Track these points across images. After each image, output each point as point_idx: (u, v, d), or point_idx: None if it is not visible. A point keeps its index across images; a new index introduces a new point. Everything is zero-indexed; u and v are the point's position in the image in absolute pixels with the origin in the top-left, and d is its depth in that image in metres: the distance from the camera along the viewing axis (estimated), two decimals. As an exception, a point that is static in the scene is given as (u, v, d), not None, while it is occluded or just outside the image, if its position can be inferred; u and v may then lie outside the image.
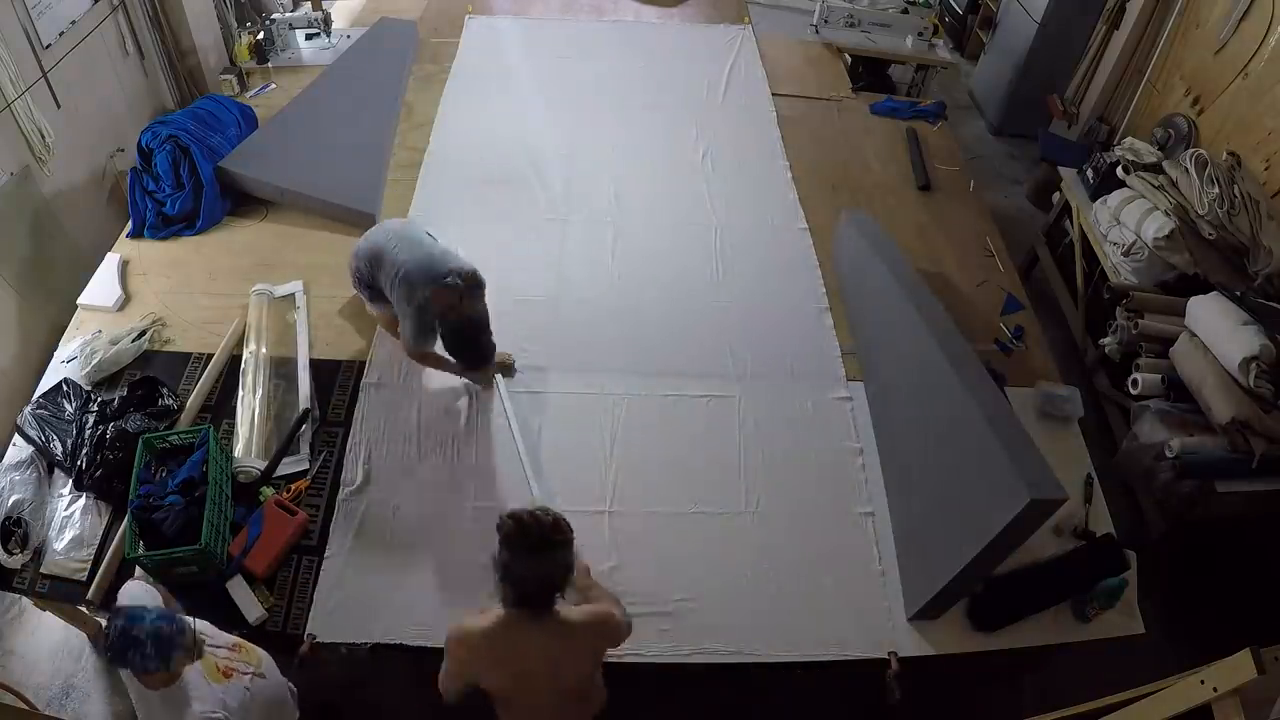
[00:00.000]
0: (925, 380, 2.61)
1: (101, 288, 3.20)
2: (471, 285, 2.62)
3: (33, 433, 2.66)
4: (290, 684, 2.18)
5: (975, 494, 2.20)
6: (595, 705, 2.05)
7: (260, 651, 2.07)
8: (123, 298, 3.18)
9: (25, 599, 2.71)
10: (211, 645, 1.89)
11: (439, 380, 2.95)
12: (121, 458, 2.52)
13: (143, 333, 3.00)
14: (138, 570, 2.27)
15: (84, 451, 2.56)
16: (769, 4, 5.47)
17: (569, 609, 1.86)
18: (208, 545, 2.28)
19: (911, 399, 2.72)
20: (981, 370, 2.52)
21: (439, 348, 2.76)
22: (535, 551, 1.72)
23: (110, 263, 3.30)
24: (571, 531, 1.79)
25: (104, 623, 2.04)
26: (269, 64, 4.56)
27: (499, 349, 2.92)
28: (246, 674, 1.93)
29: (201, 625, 1.91)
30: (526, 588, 1.76)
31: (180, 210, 3.48)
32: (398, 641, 2.29)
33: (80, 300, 3.17)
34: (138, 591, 1.98)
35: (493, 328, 2.80)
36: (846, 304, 3.31)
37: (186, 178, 3.48)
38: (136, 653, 1.63)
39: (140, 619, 1.66)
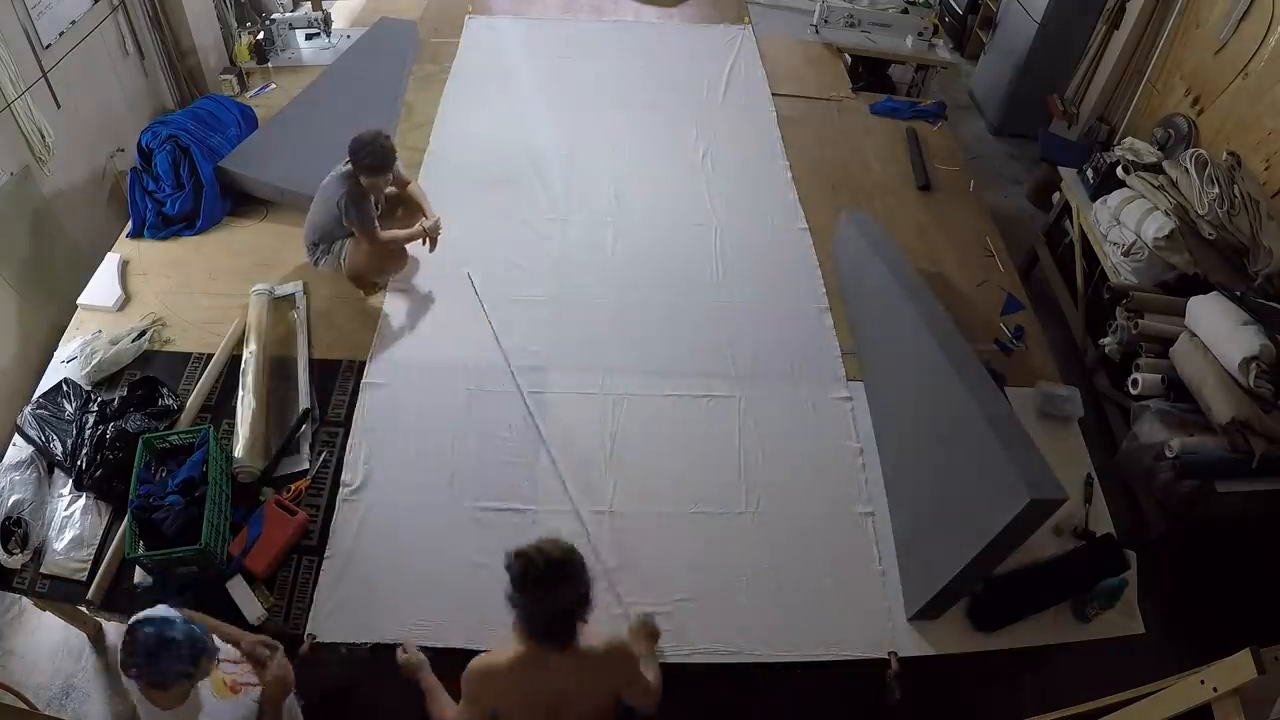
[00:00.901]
0: (925, 380, 2.61)
1: (101, 288, 3.20)
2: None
3: (33, 433, 2.66)
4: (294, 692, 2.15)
5: (975, 494, 2.20)
6: None
7: None
8: (123, 298, 3.18)
9: (25, 599, 2.71)
10: (222, 660, 1.87)
11: (439, 380, 2.95)
12: (121, 458, 2.52)
13: (143, 333, 3.00)
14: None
15: (84, 451, 2.56)
16: (769, 4, 5.47)
17: (591, 642, 1.83)
18: (208, 545, 2.28)
19: (911, 399, 2.72)
20: (981, 370, 2.52)
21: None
22: (546, 586, 1.68)
23: (110, 263, 3.30)
24: (580, 558, 1.75)
25: (115, 626, 2.00)
26: (269, 64, 4.56)
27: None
28: (256, 688, 1.91)
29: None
30: (545, 623, 1.72)
31: (180, 210, 3.48)
32: (398, 641, 2.28)
33: (80, 300, 3.17)
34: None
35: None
36: (846, 304, 3.31)
37: (186, 178, 3.48)
38: (172, 655, 1.62)
39: (173, 623, 1.66)
